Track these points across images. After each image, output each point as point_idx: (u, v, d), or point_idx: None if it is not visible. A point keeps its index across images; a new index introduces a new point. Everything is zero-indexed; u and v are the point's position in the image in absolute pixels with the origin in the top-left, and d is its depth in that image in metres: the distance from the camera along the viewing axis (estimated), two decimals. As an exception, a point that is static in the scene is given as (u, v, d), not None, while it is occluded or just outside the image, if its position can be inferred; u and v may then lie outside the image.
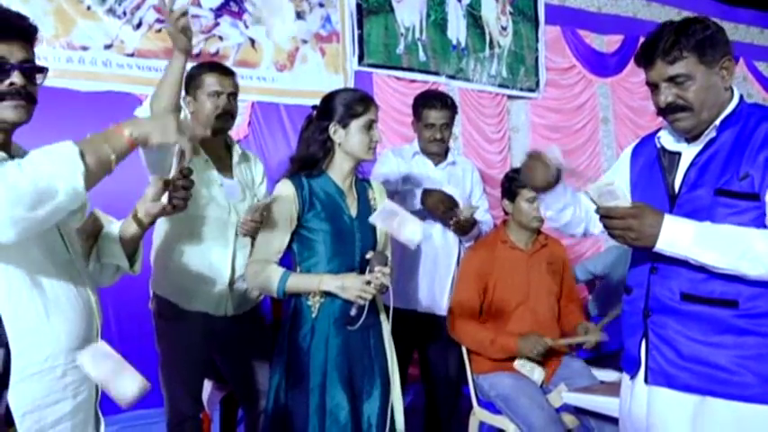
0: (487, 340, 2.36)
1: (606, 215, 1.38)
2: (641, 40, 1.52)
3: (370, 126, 1.85)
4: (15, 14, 1.24)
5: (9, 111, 1.22)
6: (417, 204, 2.49)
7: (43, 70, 1.27)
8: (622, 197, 1.37)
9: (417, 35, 4.00)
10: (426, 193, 2.50)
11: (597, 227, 1.62)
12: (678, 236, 1.34)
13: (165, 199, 1.38)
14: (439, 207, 2.46)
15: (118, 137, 1.21)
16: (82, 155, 1.12)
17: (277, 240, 1.85)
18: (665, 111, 1.44)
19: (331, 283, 1.78)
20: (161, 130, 1.25)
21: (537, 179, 1.60)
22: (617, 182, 1.40)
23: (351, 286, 1.74)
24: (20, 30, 1.22)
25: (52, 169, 1.09)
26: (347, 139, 1.86)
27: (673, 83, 1.41)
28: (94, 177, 1.17)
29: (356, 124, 1.84)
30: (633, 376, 1.55)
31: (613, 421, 1.90)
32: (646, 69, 1.46)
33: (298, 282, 1.81)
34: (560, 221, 1.70)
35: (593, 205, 1.44)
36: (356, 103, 1.86)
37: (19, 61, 1.21)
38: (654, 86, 1.46)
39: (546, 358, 2.38)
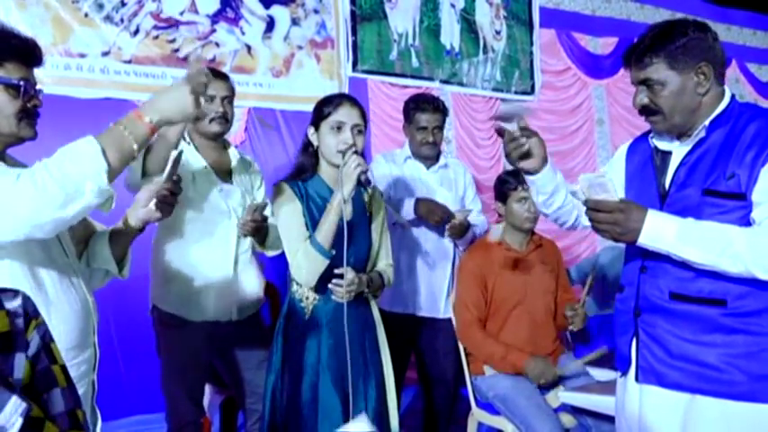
0: (498, 355, 2.36)
1: (594, 208, 1.39)
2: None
3: (339, 127, 1.81)
4: (33, 40, 1.30)
5: (29, 129, 1.30)
6: (411, 213, 2.51)
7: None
8: (612, 191, 1.37)
9: (410, 41, 4.02)
10: (419, 201, 2.51)
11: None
12: (660, 231, 1.36)
13: (152, 204, 1.42)
14: (432, 217, 2.49)
15: (139, 125, 1.24)
16: (104, 152, 1.18)
17: (302, 231, 1.83)
18: (642, 113, 1.49)
19: (335, 202, 1.74)
20: (181, 110, 1.28)
21: (514, 151, 1.55)
22: (608, 175, 1.41)
23: (343, 172, 1.72)
24: (37, 57, 1.30)
25: (77, 170, 1.15)
26: (321, 141, 1.85)
27: (645, 86, 1.46)
28: (118, 170, 1.23)
29: (325, 125, 1.83)
30: (624, 374, 1.56)
31: (610, 420, 1.92)
32: (627, 72, 1.51)
33: (321, 230, 1.77)
34: (551, 206, 1.69)
35: (581, 198, 1.44)
36: (325, 104, 1.85)
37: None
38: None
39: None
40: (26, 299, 0.83)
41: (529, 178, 1.64)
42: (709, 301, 1.40)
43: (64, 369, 0.85)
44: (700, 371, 1.40)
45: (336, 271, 1.78)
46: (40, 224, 1.14)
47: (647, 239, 1.37)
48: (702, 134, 1.44)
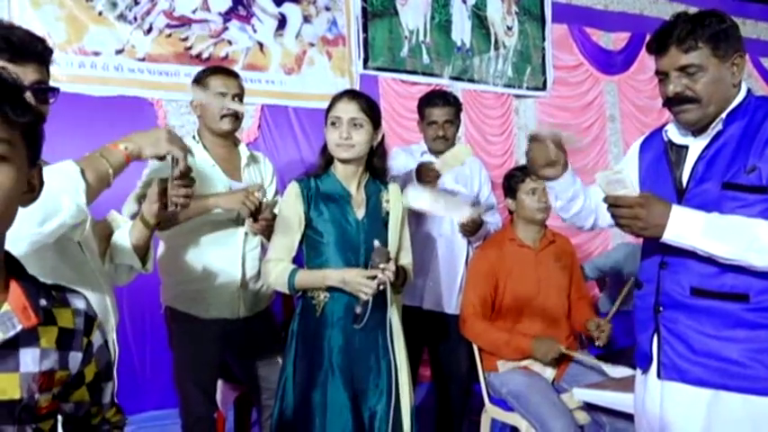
0: (501, 341, 2.36)
1: (614, 204, 1.38)
2: (648, 36, 1.52)
3: (334, 123, 1.83)
4: (32, 37, 1.28)
5: None
6: (416, 184, 2.45)
7: (55, 90, 1.30)
8: (630, 186, 1.36)
9: (421, 38, 4.01)
10: (418, 168, 2.42)
11: (606, 220, 1.60)
12: (686, 226, 1.34)
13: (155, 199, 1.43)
14: (427, 174, 2.37)
15: (114, 152, 1.31)
16: (83, 173, 1.21)
17: (287, 240, 1.86)
18: (672, 101, 1.43)
19: (333, 277, 1.78)
20: (152, 143, 1.36)
21: (539, 159, 1.57)
22: (625, 170, 1.40)
23: (351, 280, 1.74)
24: (35, 53, 1.26)
25: (57, 186, 1.15)
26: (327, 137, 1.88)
27: (683, 73, 1.41)
28: (95, 192, 1.26)
29: (329, 121, 1.86)
30: (645, 371, 1.55)
31: (625, 417, 1.91)
32: (657, 57, 1.45)
33: (305, 278, 1.83)
34: (570, 211, 1.69)
35: (601, 194, 1.43)
36: (331, 101, 1.88)
37: (31, 82, 1.24)
38: (663, 76, 1.45)
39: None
40: (86, 300, 0.88)
41: (548, 184, 1.64)
42: (732, 296, 1.38)
43: (112, 362, 0.94)
44: (723, 366, 1.39)
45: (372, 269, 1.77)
46: (15, 242, 1.11)
47: (671, 235, 1.36)
48: (720, 127, 1.42)
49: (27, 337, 0.76)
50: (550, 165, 1.58)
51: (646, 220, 1.35)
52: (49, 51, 1.29)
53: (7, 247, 0.88)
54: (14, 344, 0.75)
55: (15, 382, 0.74)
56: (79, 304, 0.86)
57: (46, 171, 1.17)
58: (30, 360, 0.76)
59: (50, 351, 0.79)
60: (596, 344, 2.33)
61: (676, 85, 1.42)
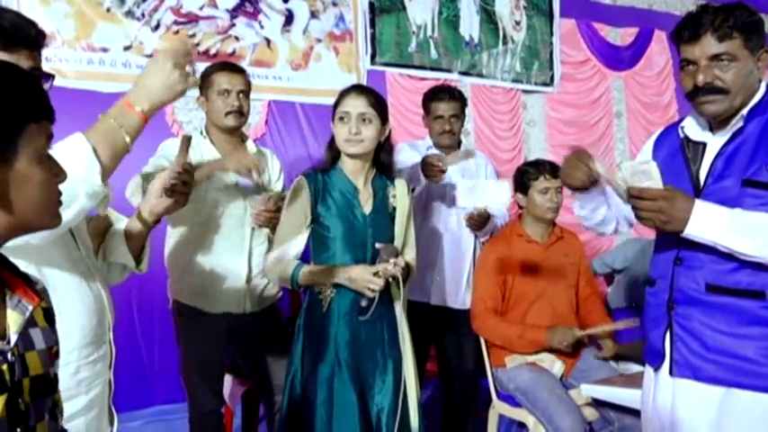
0: (515, 335, 2.36)
1: (638, 196, 1.36)
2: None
3: (343, 118, 1.83)
4: (24, 21, 1.20)
5: None
6: (422, 179, 2.38)
7: (50, 77, 1.23)
8: (657, 178, 1.34)
9: (429, 33, 4.00)
10: (422, 161, 2.37)
11: (626, 224, 1.61)
12: (709, 222, 1.32)
13: (163, 195, 1.36)
14: (430, 171, 2.31)
15: (129, 115, 1.20)
16: (95, 151, 1.14)
17: (292, 234, 1.85)
18: (699, 91, 1.40)
19: (340, 275, 1.78)
20: (168, 88, 1.24)
21: (574, 179, 1.54)
22: (653, 162, 1.37)
23: (358, 278, 1.74)
24: (27, 38, 1.19)
25: (70, 174, 1.10)
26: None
27: (715, 62, 1.37)
28: (111, 167, 1.18)
29: (336, 116, 1.85)
30: (657, 369, 1.53)
31: (634, 413, 1.90)
32: (687, 45, 1.41)
33: (310, 274, 1.83)
34: (593, 220, 1.69)
35: (622, 186, 1.40)
36: (338, 96, 1.87)
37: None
38: (689, 65, 1.41)
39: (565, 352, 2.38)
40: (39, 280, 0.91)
41: (577, 194, 1.63)
42: (748, 293, 1.37)
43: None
44: (737, 364, 1.37)
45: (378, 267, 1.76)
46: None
47: (693, 230, 1.34)
48: (740, 124, 1.40)
49: (29, 319, 0.81)
50: (584, 185, 1.55)
51: (669, 214, 1.33)
52: (42, 36, 1.22)
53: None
54: (25, 326, 0.80)
55: (37, 358, 0.81)
56: (42, 284, 0.90)
57: (56, 151, 1.10)
58: (36, 339, 0.82)
59: (46, 329, 0.85)
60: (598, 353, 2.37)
61: (707, 74, 1.37)
